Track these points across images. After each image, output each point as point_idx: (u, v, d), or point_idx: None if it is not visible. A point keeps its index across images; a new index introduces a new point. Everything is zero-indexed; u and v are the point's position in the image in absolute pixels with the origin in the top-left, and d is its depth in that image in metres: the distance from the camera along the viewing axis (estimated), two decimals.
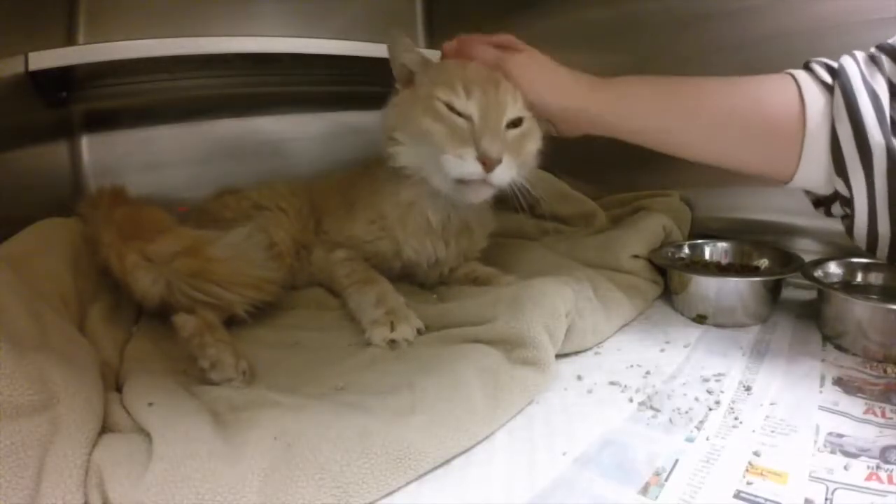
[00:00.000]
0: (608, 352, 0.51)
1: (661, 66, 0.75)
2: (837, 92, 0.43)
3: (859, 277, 0.58)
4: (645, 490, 0.32)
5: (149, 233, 0.51)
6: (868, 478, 0.32)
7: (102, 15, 0.72)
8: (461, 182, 0.50)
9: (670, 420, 0.39)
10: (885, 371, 0.45)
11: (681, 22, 0.73)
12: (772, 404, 0.41)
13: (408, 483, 0.33)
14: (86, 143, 0.76)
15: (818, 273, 0.56)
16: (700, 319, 0.57)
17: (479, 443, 0.37)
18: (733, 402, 0.41)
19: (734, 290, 0.56)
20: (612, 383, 0.45)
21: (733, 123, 0.48)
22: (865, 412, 0.39)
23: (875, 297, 0.55)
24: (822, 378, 0.44)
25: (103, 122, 0.77)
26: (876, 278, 0.57)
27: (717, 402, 0.41)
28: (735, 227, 0.74)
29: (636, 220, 0.71)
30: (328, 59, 0.78)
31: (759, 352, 0.50)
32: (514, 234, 0.82)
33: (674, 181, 0.78)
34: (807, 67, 0.47)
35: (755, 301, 0.56)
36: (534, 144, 0.54)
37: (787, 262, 0.59)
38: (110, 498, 0.29)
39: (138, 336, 0.51)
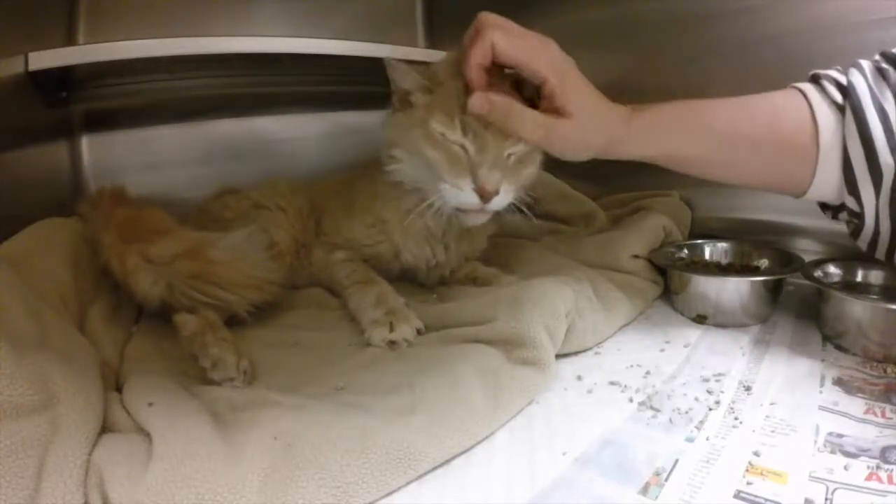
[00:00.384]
0: (608, 352, 0.51)
1: (661, 66, 0.76)
2: (849, 113, 0.44)
3: (859, 277, 0.58)
4: (645, 490, 0.32)
5: (149, 234, 0.52)
6: (868, 478, 0.32)
7: (102, 15, 0.72)
8: (459, 209, 0.50)
9: (670, 420, 0.39)
10: (885, 371, 0.45)
11: (681, 22, 0.73)
12: (772, 404, 0.41)
13: (408, 483, 0.33)
14: (86, 143, 0.76)
15: (818, 273, 0.56)
16: (700, 319, 0.57)
17: (479, 443, 0.37)
18: (733, 402, 0.41)
19: (734, 290, 0.56)
20: (612, 383, 0.45)
21: (751, 145, 0.48)
22: (865, 412, 0.39)
23: (875, 296, 0.55)
24: (822, 378, 0.44)
25: (103, 122, 0.77)
26: (876, 278, 0.57)
27: (717, 402, 0.41)
28: (735, 227, 0.74)
29: (636, 221, 0.71)
30: (328, 59, 0.78)
31: (759, 352, 0.50)
32: (514, 234, 0.82)
33: (674, 181, 0.78)
34: (816, 82, 0.47)
35: (755, 301, 0.56)
36: (533, 167, 0.52)
37: (787, 262, 0.59)
38: (110, 498, 0.29)
39: (138, 336, 0.52)
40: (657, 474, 0.33)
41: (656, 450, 0.36)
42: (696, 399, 0.42)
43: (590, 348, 0.52)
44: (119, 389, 0.41)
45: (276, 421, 0.34)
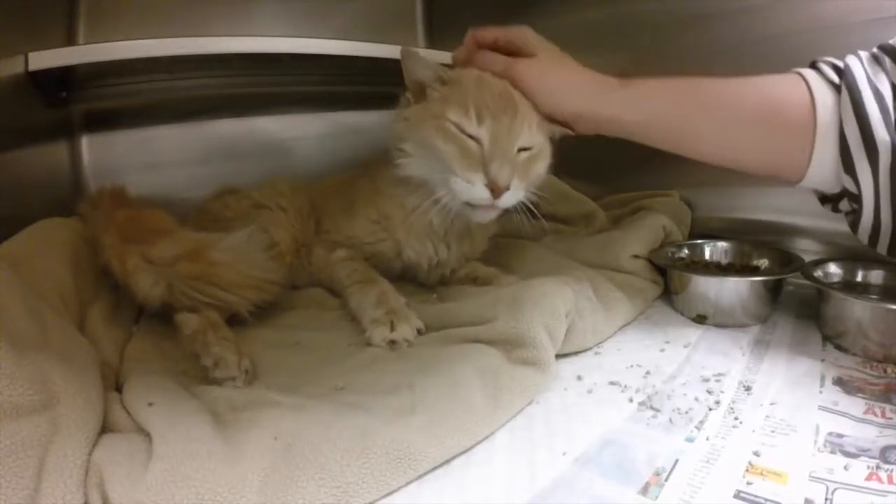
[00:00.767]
0: (608, 352, 0.51)
1: (662, 66, 0.75)
2: (844, 91, 0.44)
3: (859, 277, 0.58)
4: (645, 490, 0.32)
5: (150, 235, 0.51)
6: (868, 478, 0.32)
7: (102, 15, 0.72)
8: (469, 204, 0.50)
9: (670, 420, 0.39)
10: (885, 371, 0.45)
11: (681, 22, 0.73)
12: (772, 404, 0.41)
13: (408, 483, 0.33)
14: (86, 143, 0.76)
15: (818, 273, 0.56)
16: (700, 319, 0.57)
17: (479, 443, 0.37)
18: (733, 402, 0.41)
19: (734, 290, 0.56)
20: (612, 383, 0.45)
21: (746, 119, 0.49)
22: (865, 412, 0.39)
23: (875, 296, 0.55)
24: (822, 378, 0.44)
25: (103, 122, 0.77)
26: (876, 278, 0.57)
27: (717, 402, 0.41)
28: (735, 227, 0.74)
29: (636, 221, 0.71)
30: (328, 59, 0.78)
31: (759, 352, 0.50)
32: (514, 234, 0.82)
33: (674, 181, 0.78)
34: (814, 67, 0.48)
35: (755, 301, 0.56)
36: (543, 165, 0.53)
37: (787, 262, 0.59)
38: (110, 498, 0.29)
39: (138, 336, 0.52)
40: (657, 474, 0.33)
41: (656, 450, 0.36)
42: (696, 399, 0.42)
43: (590, 348, 0.52)
44: (119, 389, 0.41)
45: (276, 421, 0.34)
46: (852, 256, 0.59)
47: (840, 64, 0.46)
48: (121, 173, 0.75)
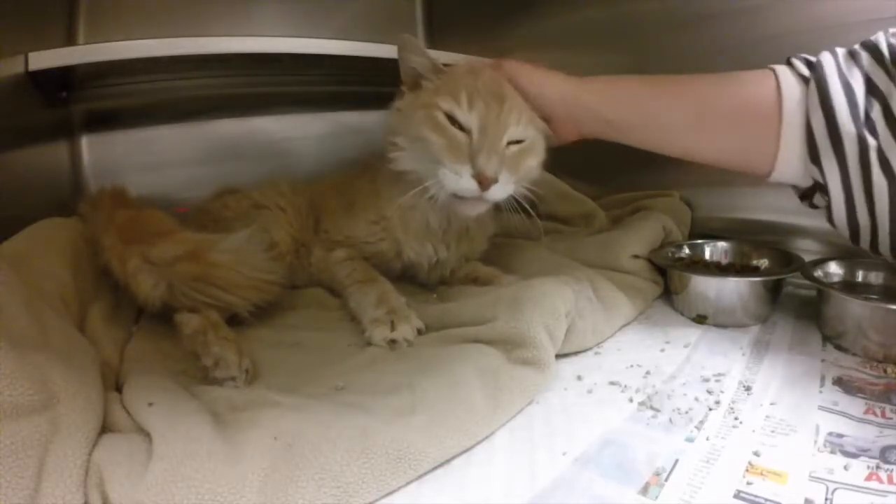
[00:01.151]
0: (608, 352, 0.51)
1: (661, 66, 0.75)
2: (812, 84, 0.45)
3: (859, 277, 0.58)
4: (645, 490, 0.32)
5: (150, 236, 0.52)
6: (868, 478, 0.32)
7: (102, 15, 0.72)
8: (457, 196, 0.50)
9: (670, 420, 0.39)
10: (885, 371, 0.45)
11: (681, 22, 0.73)
12: (772, 404, 0.41)
13: (408, 483, 0.33)
14: (86, 143, 0.76)
15: (818, 273, 0.56)
16: (700, 319, 0.57)
17: (479, 443, 0.37)
18: (733, 402, 0.41)
19: (734, 290, 0.56)
20: (612, 383, 0.45)
21: (714, 111, 0.50)
22: (865, 412, 0.39)
23: (875, 297, 0.55)
24: (822, 378, 0.44)
25: (103, 122, 0.77)
26: (876, 278, 0.57)
27: (717, 402, 0.41)
28: (735, 227, 0.74)
29: (636, 221, 0.71)
30: (328, 59, 0.78)
31: (759, 352, 0.50)
32: (514, 234, 0.82)
33: (674, 181, 0.78)
34: (788, 62, 0.49)
35: (755, 301, 0.56)
36: (534, 160, 0.53)
37: (787, 262, 0.59)
38: (110, 498, 0.29)
39: (138, 336, 0.52)
40: (657, 474, 0.33)
41: (656, 450, 0.36)
42: (696, 399, 0.42)
43: (590, 348, 0.52)
44: (119, 389, 0.41)
45: (276, 421, 0.34)
46: (852, 256, 0.59)
47: (813, 59, 0.47)
48: (121, 173, 0.75)
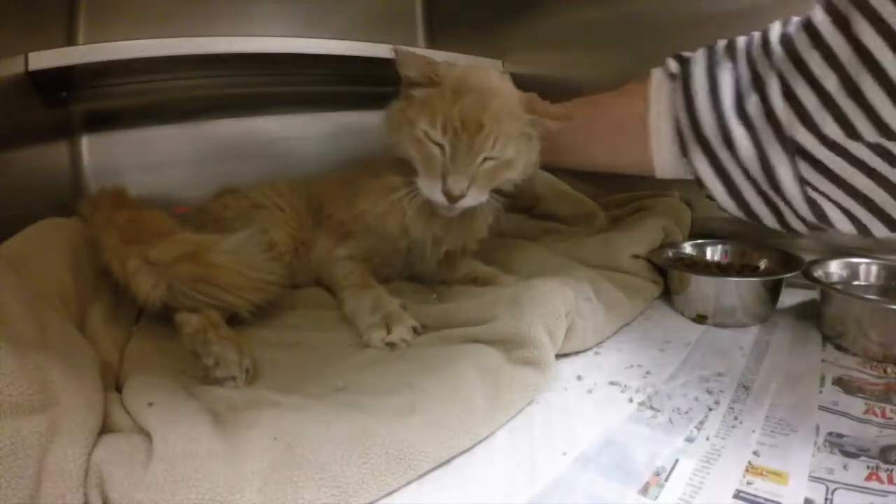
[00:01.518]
0: (608, 352, 0.52)
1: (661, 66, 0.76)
2: (679, 80, 0.48)
3: (859, 277, 0.58)
4: (645, 490, 0.32)
5: (150, 236, 0.51)
6: (868, 478, 0.32)
7: (102, 15, 0.72)
8: (431, 202, 0.54)
9: (670, 420, 0.39)
10: (885, 371, 0.45)
11: (681, 22, 0.73)
12: (772, 404, 0.41)
13: (408, 483, 0.33)
14: (86, 143, 0.76)
15: (818, 273, 0.56)
16: (700, 319, 0.57)
17: (479, 443, 0.37)
18: (733, 402, 0.41)
19: (734, 290, 0.56)
20: (612, 383, 0.45)
21: (598, 131, 0.55)
22: (865, 412, 0.39)
23: (875, 296, 0.55)
24: (822, 378, 0.45)
25: (103, 122, 0.77)
26: (876, 278, 0.57)
27: (717, 402, 0.41)
28: (735, 227, 0.73)
29: (636, 221, 0.71)
30: (328, 59, 0.78)
31: (759, 352, 0.50)
32: (514, 234, 0.82)
33: (674, 181, 0.78)
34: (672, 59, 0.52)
35: (755, 301, 0.56)
36: (512, 173, 0.54)
37: (787, 262, 0.59)
38: (110, 498, 0.29)
39: (138, 336, 0.51)
40: (657, 474, 0.33)
41: (656, 450, 0.36)
42: (696, 399, 0.42)
43: (590, 348, 0.52)
44: (119, 389, 0.41)
45: (276, 421, 0.34)
46: (852, 256, 0.59)
47: (687, 56, 0.49)
48: (121, 173, 0.75)
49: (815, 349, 0.50)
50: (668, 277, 0.63)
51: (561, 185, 0.86)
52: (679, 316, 0.60)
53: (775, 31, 0.44)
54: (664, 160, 0.51)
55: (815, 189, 0.41)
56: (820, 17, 0.39)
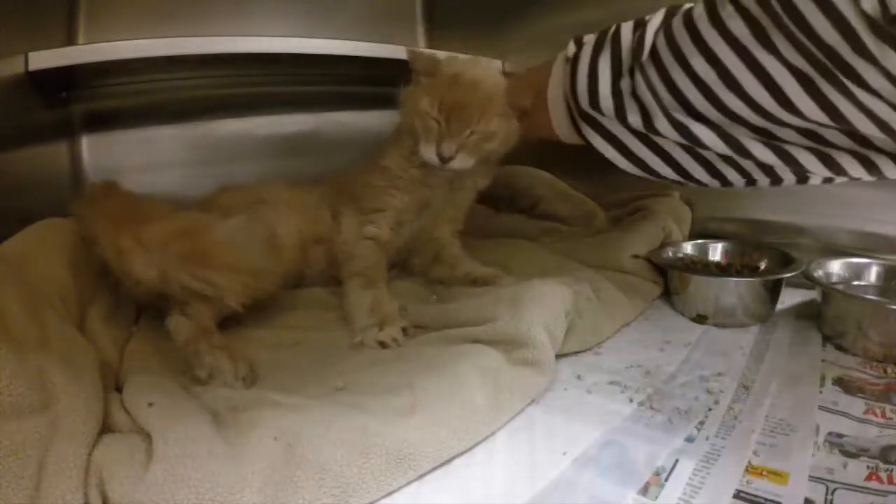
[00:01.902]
0: (608, 352, 0.52)
1: None
2: (569, 65, 0.53)
3: (860, 277, 0.58)
4: (645, 490, 0.32)
5: (144, 218, 0.50)
6: (868, 478, 0.32)
7: (102, 15, 0.72)
8: (428, 163, 0.63)
9: (670, 420, 0.39)
10: (885, 371, 0.45)
11: None
12: (772, 404, 0.41)
13: (408, 483, 0.33)
14: (86, 143, 0.76)
15: (818, 273, 0.56)
16: (700, 319, 0.57)
17: (479, 443, 0.37)
18: (733, 401, 0.41)
19: (734, 290, 0.56)
20: (612, 383, 0.45)
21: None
22: (865, 412, 0.39)
23: (875, 296, 0.55)
24: (822, 378, 0.45)
25: (103, 122, 0.77)
26: (876, 278, 0.57)
27: (717, 402, 0.41)
28: (735, 227, 0.74)
29: (636, 221, 0.71)
30: (328, 59, 0.78)
31: (759, 352, 0.50)
32: (514, 234, 0.82)
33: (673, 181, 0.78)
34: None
35: (755, 301, 0.56)
36: (493, 144, 0.63)
37: (787, 262, 0.59)
38: (110, 498, 0.29)
39: (138, 336, 0.51)
40: (657, 474, 0.33)
41: (656, 450, 0.36)
42: (696, 399, 0.42)
43: (590, 348, 0.52)
44: (119, 389, 0.41)
45: (276, 421, 0.34)
46: (852, 256, 0.59)
47: (585, 39, 0.54)
48: (121, 173, 0.74)
49: (815, 349, 0.50)
50: (668, 277, 0.63)
51: (561, 185, 0.86)
52: (679, 316, 0.60)
53: (654, 22, 0.48)
54: (563, 130, 0.58)
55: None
56: (676, 23, 0.44)
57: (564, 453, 0.36)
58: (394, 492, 0.33)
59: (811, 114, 0.38)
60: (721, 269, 0.65)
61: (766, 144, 0.44)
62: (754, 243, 0.66)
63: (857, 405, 0.40)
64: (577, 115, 0.53)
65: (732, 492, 0.32)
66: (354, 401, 0.39)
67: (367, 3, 0.99)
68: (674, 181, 0.52)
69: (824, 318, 0.53)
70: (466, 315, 0.50)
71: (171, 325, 0.49)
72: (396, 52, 0.79)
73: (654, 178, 0.52)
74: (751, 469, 0.33)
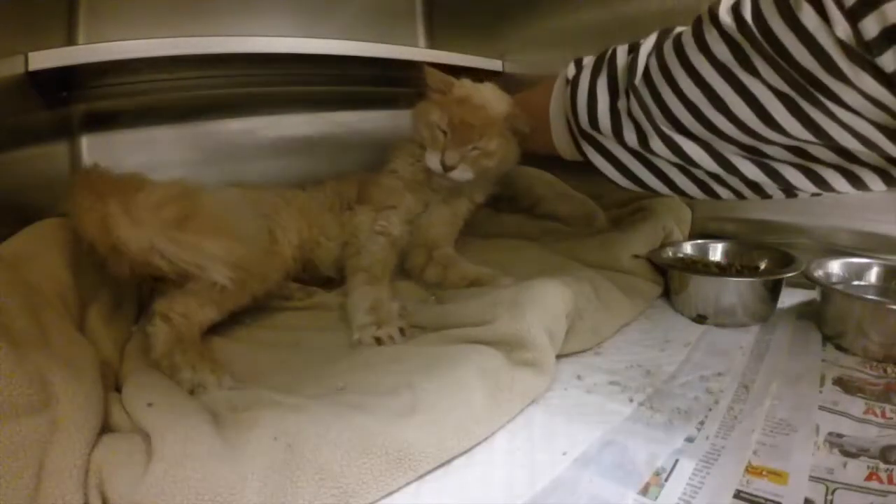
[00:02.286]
0: (608, 352, 0.51)
1: None
2: (569, 87, 0.55)
3: (860, 277, 0.58)
4: (645, 490, 0.32)
5: (131, 190, 0.49)
6: (868, 478, 0.32)
7: (102, 15, 0.72)
8: (431, 170, 0.68)
9: (670, 420, 0.39)
10: (885, 371, 0.45)
11: (680, 22, 0.73)
12: (772, 404, 0.41)
13: (408, 483, 0.33)
14: (86, 143, 0.76)
15: (818, 273, 0.56)
16: (700, 319, 0.57)
17: (479, 443, 0.37)
18: (733, 402, 0.41)
19: (734, 290, 0.56)
20: (612, 383, 0.45)
21: (530, 117, 0.65)
22: (865, 412, 0.39)
23: (875, 296, 0.55)
24: (822, 378, 0.45)
25: (103, 122, 0.77)
26: (876, 278, 0.57)
27: (717, 402, 0.41)
28: (735, 227, 0.73)
29: (636, 221, 0.71)
30: (328, 59, 0.78)
31: (759, 352, 0.50)
32: (514, 234, 0.82)
33: None
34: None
35: (755, 301, 0.56)
36: (492, 162, 0.68)
37: (787, 262, 0.59)
38: (110, 498, 0.29)
39: (138, 336, 0.51)
40: (657, 474, 0.33)
41: (656, 450, 0.36)
42: (696, 399, 0.42)
43: (590, 348, 0.52)
44: (119, 389, 0.41)
45: (276, 421, 0.34)
46: (852, 256, 0.59)
47: (585, 61, 0.56)
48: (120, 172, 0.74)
49: (815, 349, 0.50)
50: (668, 277, 0.63)
51: (561, 186, 0.86)
52: (679, 316, 0.60)
53: (646, 48, 0.50)
54: (563, 148, 0.61)
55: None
56: (667, 48, 0.46)
57: (564, 453, 0.36)
58: (394, 492, 0.33)
59: (795, 131, 0.39)
60: (721, 269, 0.65)
61: (754, 161, 0.45)
62: (754, 243, 0.66)
63: (857, 405, 0.40)
64: (578, 134, 0.55)
65: (732, 492, 0.32)
66: (354, 401, 0.38)
67: (368, 4, 0.99)
68: (666, 195, 0.54)
69: (824, 318, 0.53)
70: (467, 316, 0.50)
71: (149, 332, 0.48)
72: (397, 51, 0.79)
73: (643, 191, 0.55)
74: (751, 469, 0.33)
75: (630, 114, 0.50)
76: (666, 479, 0.33)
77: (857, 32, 0.32)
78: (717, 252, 0.67)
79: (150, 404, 0.36)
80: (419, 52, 0.94)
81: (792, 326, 0.55)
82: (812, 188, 0.44)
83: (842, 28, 0.33)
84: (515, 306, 0.46)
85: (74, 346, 0.40)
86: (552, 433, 0.38)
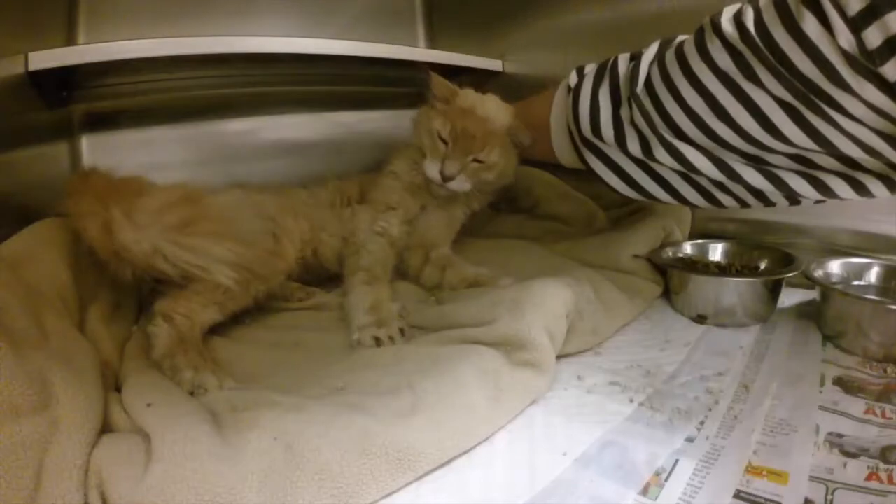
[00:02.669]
0: (608, 352, 0.51)
1: None
2: (571, 95, 0.56)
3: (860, 277, 0.58)
4: (645, 490, 0.32)
5: (132, 195, 0.49)
6: (868, 478, 0.32)
7: (102, 15, 0.72)
8: (429, 179, 0.68)
9: (670, 420, 0.39)
10: (885, 371, 0.45)
11: (681, 22, 0.73)
12: (772, 404, 0.41)
13: (408, 484, 0.33)
14: (86, 143, 0.76)
15: (818, 273, 0.56)
16: (700, 319, 0.57)
17: (479, 443, 0.37)
18: (733, 402, 0.41)
19: (734, 290, 0.56)
20: (612, 383, 0.45)
21: (529, 125, 0.66)
22: (865, 412, 0.39)
23: (875, 296, 0.55)
24: (822, 378, 0.44)
25: (103, 122, 0.77)
26: (876, 278, 0.57)
27: (717, 402, 0.41)
28: (735, 227, 0.74)
29: (636, 221, 0.71)
30: (329, 59, 0.78)
31: (759, 352, 0.50)
32: (514, 234, 0.82)
33: None
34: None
35: (755, 301, 0.56)
36: (490, 174, 0.68)
37: (787, 262, 0.59)
38: (110, 498, 0.29)
39: (138, 336, 0.51)
40: (657, 474, 0.33)
41: (656, 450, 0.36)
42: (696, 399, 0.42)
43: (590, 348, 0.52)
44: (119, 389, 0.41)
45: (276, 421, 0.34)
46: (852, 256, 0.59)
47: (587, 70, 0.57)
48: (121, 174, 0.75)
49: (815, 349, 0.50)
50: (668, 277, 0.63)
51: (561, 186, 0.86)
52: (679, 316, 0.60)
53: (647, 57, 0.50)
54: (564, 155, 0.61)
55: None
56: (669, 57, 0.46)
57: (565, 454, 0.36)
58: (394, 492, 0.32)
59: (798, 140, 0.39)
60: (721, 269, 0.65)
61: (757, 169, 0.45)
62: (754, 243, 0.66)
63: (857, 405, 0.40)
64: (580, 142, 0.56)
65: (732, 492, 0.32)
66: (354, 401, 0.38)
67: (368, 4, 0.99)
68: (668, 203, 0.54)
69: (824, 318, 0.53)
70: (467, 316, 0.50)
71: (150, 332, 0.48)
72: (397, 52, 0.79)
73: (644, 199, 0.55)
74: (751, 469, 0.33)
75: (633, 122, 0.50)
76: (666, 479, 0.33)
77: (860, 42, 0.32)
78: (717, 252, 0.67)
79: (149, 404, 0.36)
80: (419, 52, 0.94)
81: (792, 326, 0.55)
82: (816, 195, 0.44)
83: (844, 38, 0.33)
84: (516, 307, 0.46)
85: (74, 346, 0.40)
86: (552, 433, 0.38)
